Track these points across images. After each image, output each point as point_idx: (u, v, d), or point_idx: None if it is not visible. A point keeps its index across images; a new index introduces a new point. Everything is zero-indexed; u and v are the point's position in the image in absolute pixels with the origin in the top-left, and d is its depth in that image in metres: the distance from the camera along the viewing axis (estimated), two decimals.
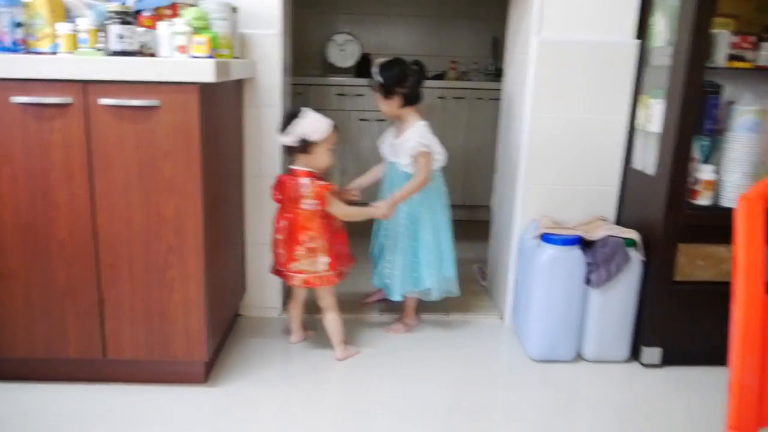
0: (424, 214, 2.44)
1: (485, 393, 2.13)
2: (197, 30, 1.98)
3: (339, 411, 1.99)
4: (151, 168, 1.85)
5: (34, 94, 1.81)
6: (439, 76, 4.43)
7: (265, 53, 2.41)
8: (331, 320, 2.30)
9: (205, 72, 1.80)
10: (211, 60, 1.84)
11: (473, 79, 4.47)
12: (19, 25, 1.94)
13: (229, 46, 2.18)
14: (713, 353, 2.16)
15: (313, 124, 2.14)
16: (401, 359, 2.33)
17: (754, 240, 0.99)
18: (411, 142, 2.34)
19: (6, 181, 1.84)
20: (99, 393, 2.01)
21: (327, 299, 2.29)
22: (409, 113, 2.41)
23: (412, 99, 2.39)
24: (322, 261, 2.18)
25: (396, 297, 2.49)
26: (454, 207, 4.13)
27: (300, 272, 2.19)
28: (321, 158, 2.18)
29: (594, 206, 2.53)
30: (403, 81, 2.35)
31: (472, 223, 4.10)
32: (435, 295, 2.49)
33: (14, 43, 1.93)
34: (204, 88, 1.85)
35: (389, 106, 2.40)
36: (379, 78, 2.36)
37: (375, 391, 2.10)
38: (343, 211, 2.22)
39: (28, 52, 1.96)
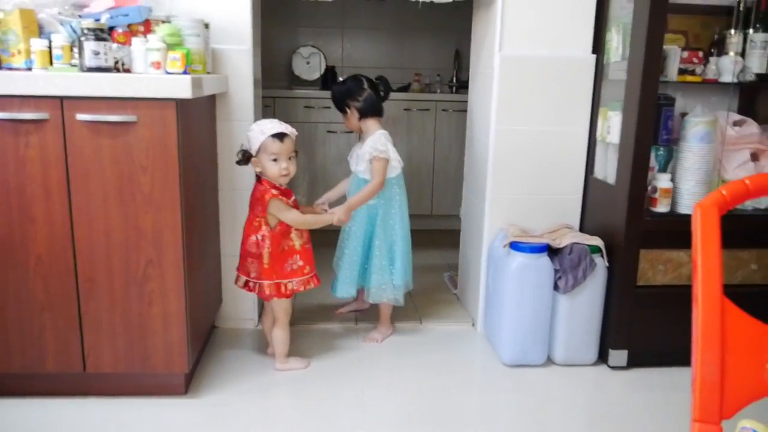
0: (378, 220, 2.50)
1: (460, 399, 2.19)
2: (171, 46, 2.01)
3: (317, 420, 2.03)
4: (129, 182, 1.88)
5: (10, 110, 1.81)
6: (404, 89, 4.52)
7: (236, 68, 2.45)
8: (276, 334, 2.30)
9: (182, 88, 1.83)
10: (188, 76, 1.87)
11: (437, 90, 4.58)
12: None
13: (202, 61, 2.22)
14: (676, 354, 2.28)
15: (249, 137, 2.19)
16: (377, 368, 2.38)
17: (710, 245, 1.07)
18: (366, 148, 2.44)
19: None
20: (79, 407, 2.01)
21: (276, 312, 2.29)
22: (370, 125, 2.51)
23: (366, 111, 2.50)
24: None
25: (339, 293, 2.57)
26: (423, 217, 4.27)
27: (245, 275, 2.24)
28: (266, 168, 2.16)
29: (559, 214, 2.63)
30: (355, 95, 2.49)
31: (441, 232, 4.19)
32: (375, 298, 2.54)
33: None
34: (180, 104, 1.88)
35: (348, 120, 2.55)
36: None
37: (352, 399, 2.15)
38: (294, 218, 2.19)
39: (1, 69, 1.96)
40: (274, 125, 2.17)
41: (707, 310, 1.03)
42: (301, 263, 2.24)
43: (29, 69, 1.94)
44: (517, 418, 2.09)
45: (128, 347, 1.97)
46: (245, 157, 2.18)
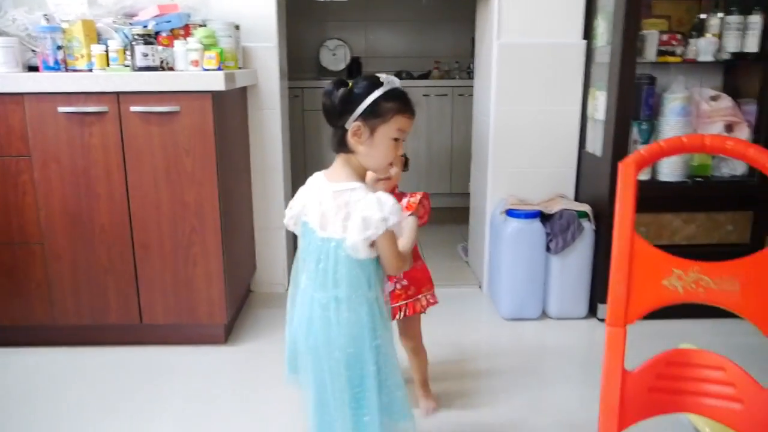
0: None
1: (464, 346, 2.50)
2: (207, 46, 2.36)
3: None
4: (175, 163, 2.24)
5: (77, 105, 2.19)
6: (425, 76, 4.81)
7: (264, 63, 2.80)
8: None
9: (217, 82, 2.18)
10: (221, 72, 2.22)
11: (456, 77, 4.86)
12: (59, 47, 2.33)
13: (234, 58, 2.56)
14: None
15: None
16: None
17: (627, 193, 1.36)
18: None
19: (55, 177, 2.23)
20: (138, 353, 2.40)
21: None
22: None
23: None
24: None
25: None
26: (442, 195, 4.56)
27: None
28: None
29: (556, 186, 2.91)
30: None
31: (459, 209, 4.48)
32: None
33: (56, 63, 2.32)
34: (216, 95, 2.23)
35: None
36: None
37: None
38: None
39: (68, 70, 2.34)
40: None
41: (619, 242, 1.32)
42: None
43: (90, 70, 2.31)
44: (514, 361, 2.39)
45: (177, 302, 2.35)
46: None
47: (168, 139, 2.23)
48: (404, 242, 1.65)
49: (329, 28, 4.96)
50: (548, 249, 2.64)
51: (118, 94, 2.19)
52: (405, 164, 1.87)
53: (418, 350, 2.05)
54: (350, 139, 1.42)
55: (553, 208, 2.67)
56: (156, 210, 2.27)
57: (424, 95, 4.48)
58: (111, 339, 2.44)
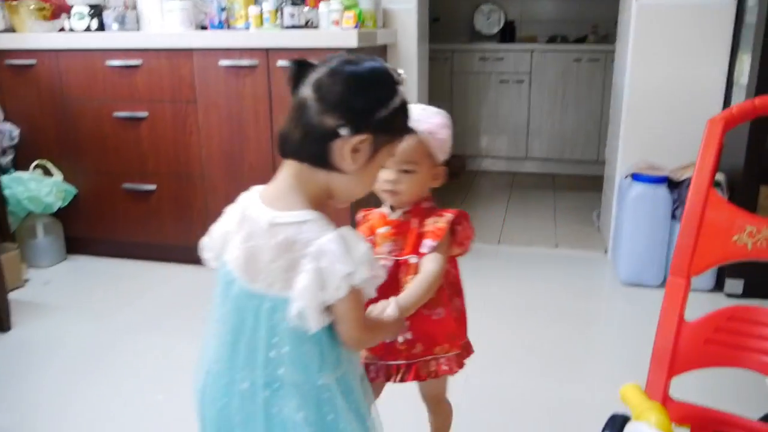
0: None
1: (572, 302, 2.54)
2: (347, 7, 2.58)
3: None
4: None
5: (233, 58, 2.52)
6: (581, 40, 4.70)
7: (403, 24, 2.97)
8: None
9: (350, 39, 2.40)
10: (355, 30, 2.43)
11: (612, 42, 4.69)
12: (223, 9, 2.68)
13: (373, 18, 2.76)
14: None
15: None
16: (506, 275, 2.81)
17: (709, 149, 1.36)
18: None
19: (214, 121, 2.60)
20: None
21: None
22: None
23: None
24: None
25: None
26: (590, 162, 4.47)
27: None
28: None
29: (693, 153, 2.78)
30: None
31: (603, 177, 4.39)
32: None
33: (220, 23, 2.67)
34: (350, 52, 2.44)
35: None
36: None
37: (478, 291, 2.61)
38: None
39: (229, 29, 2.69)
40: (416, 112, 1.18)
41: (694, 195, 1.33)
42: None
43: (247, 29, 2.64)
44: (622, 324, 2.41)
45: None
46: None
47: None
48: (411, 295, 1.17)
49: None
50: (674, 216, 2.58)
51: (267, 50, 2.49)
52: (457, 172, 1.35)
53: (437, 408, 1.49)
54: (342, 154, 0.92)
55: (682, 176, 2.59)
56: None
57: (575, 60, 4.40)
58: None
